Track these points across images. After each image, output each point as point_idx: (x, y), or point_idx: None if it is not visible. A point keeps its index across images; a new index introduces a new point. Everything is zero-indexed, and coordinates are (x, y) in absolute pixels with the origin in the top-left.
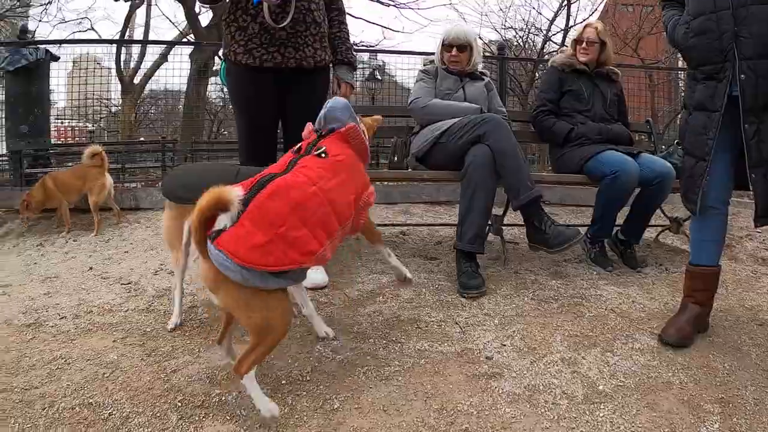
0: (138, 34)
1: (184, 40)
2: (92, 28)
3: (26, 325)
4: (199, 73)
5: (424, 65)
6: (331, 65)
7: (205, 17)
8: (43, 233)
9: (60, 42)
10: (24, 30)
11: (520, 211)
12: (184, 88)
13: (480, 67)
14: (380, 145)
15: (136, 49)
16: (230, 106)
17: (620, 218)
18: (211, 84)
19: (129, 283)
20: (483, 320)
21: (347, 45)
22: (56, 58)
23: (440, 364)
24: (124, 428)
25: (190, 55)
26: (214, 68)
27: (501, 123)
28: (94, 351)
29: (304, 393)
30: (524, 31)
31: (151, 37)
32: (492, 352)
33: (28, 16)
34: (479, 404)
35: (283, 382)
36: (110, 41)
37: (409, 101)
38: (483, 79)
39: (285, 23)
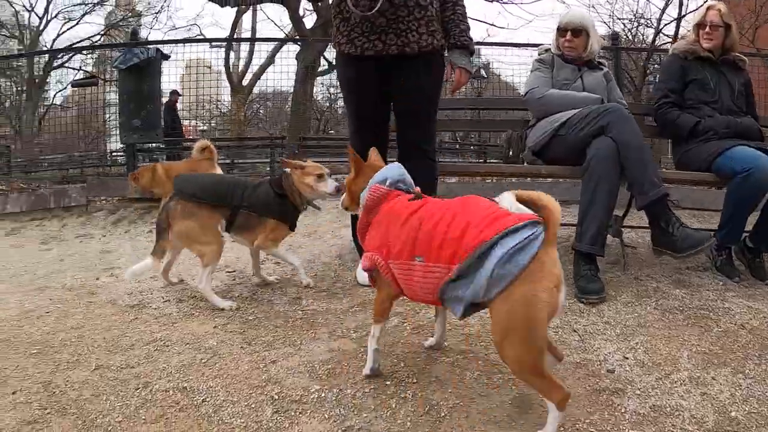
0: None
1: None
2: (201, 34)
3: (130, 306)
4: (306, 72)
5: (539, 54)
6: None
7: (310, 19)
8: (153, 221)
9: (176, 42)
10: (135, 32)
11: (645, 210)
12: (290, 88)
13: (598, 55)
14: (486, 142)
15: (244, 52)
16: (335, 105)
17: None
18: (318, 84)
19: (234, 271)
20: (603, 329)
21: (461, 27)
22: (167, 57)
23: (558, 375)
24: (216, 416)
25: (297, 56)
26: (320, 69)
27: (625, 114)
28: (194, 335)
29: (410, 396)
30: (633, 23)
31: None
32: (614, 365)
33: (140, 25)
34: (600, 423)
35: (388, 383)
36: (220, 39)
37: (524, 92)
38: (602, 69)
39: (373, 11)
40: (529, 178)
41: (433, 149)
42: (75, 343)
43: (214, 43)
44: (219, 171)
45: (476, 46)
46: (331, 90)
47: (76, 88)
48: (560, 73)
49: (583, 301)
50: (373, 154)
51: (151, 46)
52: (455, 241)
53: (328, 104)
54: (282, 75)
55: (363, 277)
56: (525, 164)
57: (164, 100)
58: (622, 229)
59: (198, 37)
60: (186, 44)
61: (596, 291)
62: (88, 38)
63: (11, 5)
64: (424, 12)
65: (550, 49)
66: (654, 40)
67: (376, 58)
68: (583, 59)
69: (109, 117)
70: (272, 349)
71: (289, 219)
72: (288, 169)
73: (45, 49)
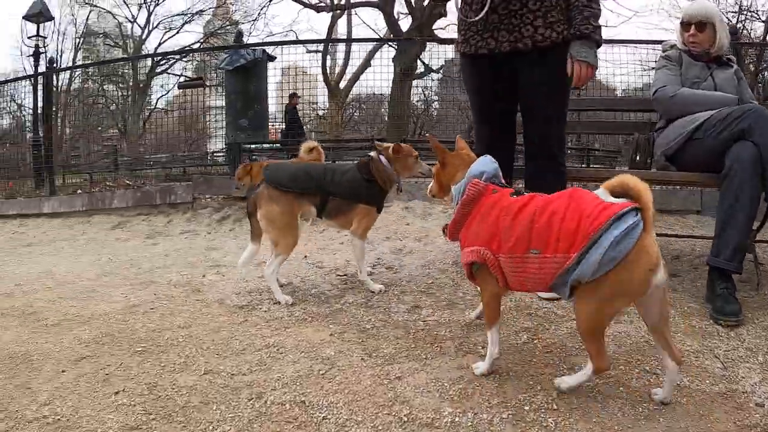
0: (340, 44)
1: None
2: (273, 57)
3: (239, 307)
4: (403, 75)
5: (663, 51)
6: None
7: (405, 22)
8: None
9: (276, 44)
10: (239, 34)
11: None
12: (384, 90)
13: (726, 50)
14: (588, 145)
15: (340, 54)
16: (430, 109)
17: None
18: (414, 87)
19: (345, 275)
20: (746, 356)
21: (585, 14)
22: (273, 58)
23: (704, 407)
24: None
25: (394, 59)
26: (417, 71)
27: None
28: (309, 343)
29: (552, 426)
30: (740, 16)
31: (353, 45)
32: (763, 399)
33: (242, 29)
34: None
35: (526, 408)
36: (318, 41)
37: (652, 90)
38: (731, 66)
39: (479, 16)
40: (656, 186)
41: (560, 151)
42: (182, 344)
43: (310, 48)
44: None
45: None
46: (426, 93)
47: (180, 90)
48: (689, 71)
49: (721, 323)
50: (460, 142)
51: (257, 48)
52: (572, 233)
53: (423, 107)
54: (379, 77)
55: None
56: (653, 170)
57: (274, 100)
58: (755, 244)
59: (298, 39)
60: (285, 46)
61: (734, 313)
62: (188, 46)
63: (114, 17)
64: (540, 3)
65: (675, 45)
66: (766, 35)
67: (489, 57)
68: (710, 55)
69: (210, 120)
70: (395, 363)
71: (377, 202)
72: (374, 153)
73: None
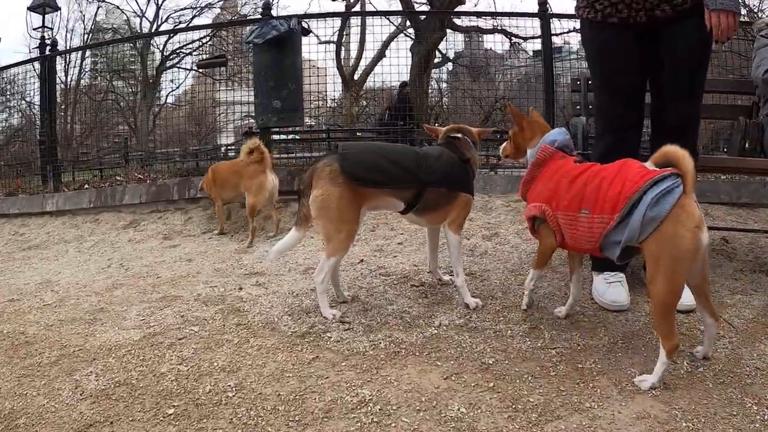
0: (354, 33)
1: (405, 33)
2: (310, 30)
3: (299, 336)
4: (421, 65)
5: (759, 29)
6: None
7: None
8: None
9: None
10: (267, 6)
11: None
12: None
13: None
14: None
15: (353, 49)
16: (443, 101)
17: None
18: (434, 76)
19: (422, 285)
20: None
21: None
22: (308, 32)
23: None
24: None
25: (411, 48)
26: (435, 60)
27: None
28: (421, 392)
29: None
30: None
31: (368, 35)
32: None
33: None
34: None
35: None
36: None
37: (761, 71)
38: None
39: None
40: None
41: (692, 137)
42: (233, 401)
43: (323, 38)
44: (270, 177)
45: None
46: (441, 84)
47: (201, 71)
48: None
49: None
50: (534, 113)
51: (291, 17)
52: (616, 195)
53: (438, 98)
54: (396, 68)
55: (609, 297)
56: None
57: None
58: None
59: (327, 12)
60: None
61: None
62: (198, 40)
63: (122, 12)
64: None
65: None
66: None
67: (622, 26)
68: None
69: (221, 113)
70: (555, 417)
71: (473, 189)
72: (460, 135)
73: (158, 50)
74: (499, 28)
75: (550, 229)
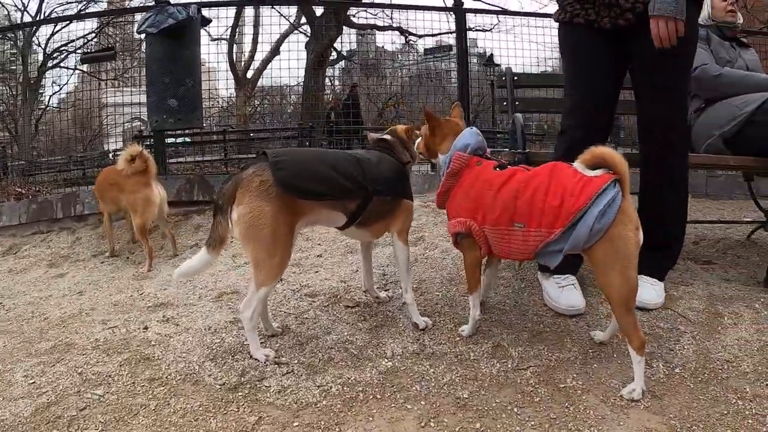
0: (248, 30)
1: (299, 30)
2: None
3: (230, 389)
4: (317, 63)
5: None
6: None
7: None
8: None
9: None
10: None
11: None
12: (294, 81)
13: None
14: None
15: (248, 42)
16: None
17: None
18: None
19: (357, 306)
20: None
21: None
22: (208, 21)
23: None
24: None
25: (306, 45)
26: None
27: None
28: None
29: None
30: None
31: (261, 33)
32: None
33: None
34: None
35: None
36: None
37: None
38: (749, 46)
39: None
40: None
41: (661, 137)
42: None
43: (214, 36)
44: (157, 189)
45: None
46: (335, 83)
47: (86, 65)
48: (720, 51)
49: None
50: (456, 110)
51: (190, 4)
52: (556, 209)
53: (331, 97)
54: (288, 64)
55: (564, 302)
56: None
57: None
58: None
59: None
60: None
61: None
62: (83, 36)
63: (3, 6)
64: None
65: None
66: None
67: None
68: (738, 29)
69: (109, 116)
70: None
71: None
72: (388, 137)
73: (41, 45)
74: (394, 25)
75: (474, 242)
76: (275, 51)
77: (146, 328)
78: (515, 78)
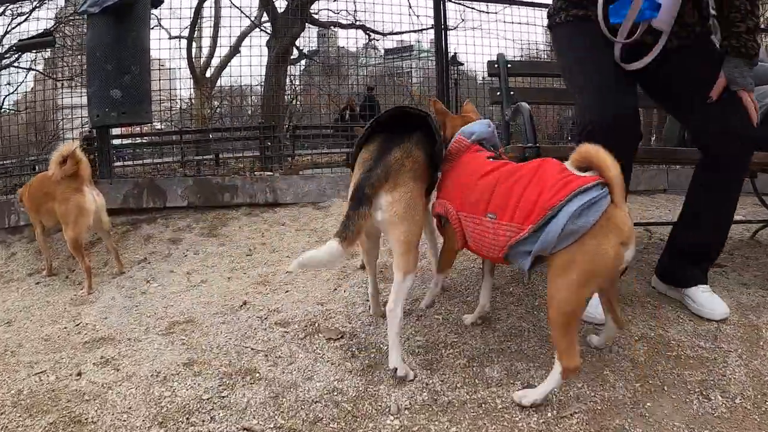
0: (207, 27)
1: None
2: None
3: None
4: (278, 61)
5: None
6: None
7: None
8: (169, 239)
9: None
10: None
11: None
12: (256, 81)
13: None
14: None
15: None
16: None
17: None
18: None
19: (341, 337)
20: None
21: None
22: (159, 2)
23: None
24: None
25: (268, 43)
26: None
27: None
28: None
29: None
30: None
31: (221, 30)
32: None
33: None
34: None
35: None
36: None
37: None
38: None
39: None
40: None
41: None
42: None
43: (173, 34)
44: (91, 196)
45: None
46: (295, 81)
47: (21, 53)
48: None
49: None
50: (468, 105)
51: None
52: (531, 203)
53: (292, 96)
54: (250, 62)
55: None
56: None
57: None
58: None
59: None
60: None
61: None
62: (42, 32)
63: None
64: None
65: None
66: None
67: None
68: None
69: (63, 117)
70: None
71: None
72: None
73: None
74: (358, 23)
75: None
76: (235, 49)
77: (80, 374)
78: (509, 66)
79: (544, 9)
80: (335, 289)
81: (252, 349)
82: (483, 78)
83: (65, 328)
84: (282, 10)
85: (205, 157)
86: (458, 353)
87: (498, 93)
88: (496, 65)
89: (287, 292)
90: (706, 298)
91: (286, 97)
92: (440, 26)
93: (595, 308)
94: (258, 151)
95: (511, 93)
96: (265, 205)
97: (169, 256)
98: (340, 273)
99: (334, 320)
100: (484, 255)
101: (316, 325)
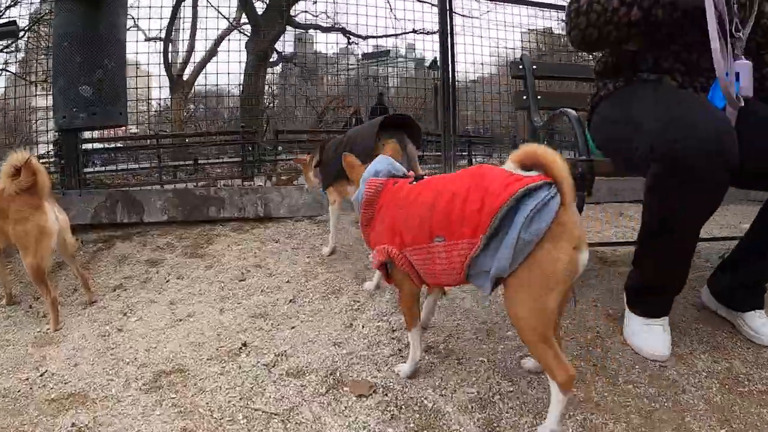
0: (184, 29)
1: (239, 30)
2: (136, 26)
3: None
4: (258, 63)
5: None
6: None
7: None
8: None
9: None
10: None
11: None
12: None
13: None
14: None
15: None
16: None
17: None
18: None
19: (373, 392)
20: None
21: None
22: None
23: None
24: None
25: (246, 45)
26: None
27: None
28: None
29: None
30: None
31: (198, 32)
32: None
33: None
34: None
35: None
36: None
37: None
38: None
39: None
40: None
41: None
42: None
43: (149, 36)
44: (52, 214)
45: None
46: (272, 86)
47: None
48: None
49: None
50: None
51: None
52: (476, 213)
53: (270, 99)
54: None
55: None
56: None
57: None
58: None
59: None
60: None
61: None
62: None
63: None
64: None
65: None
66: None
67: None
68: None
69: (36, 122)
70: None
71: None
72: None
73: None
74: (337, 26)
75: (403, 272)
76: (213, 51)
77: None
78: (534, 67)
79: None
80: (350, 324)
81: (263, 412)
82: (472, 82)
83: (27, 379)
84: (262, 11)
85: (182, 163)
86: (520, 407)
87: (525, 97)
88: (520, 66)
89: (293, 328)
90: (763, 324)
91: (265, 99)
92: (446, 33)
93: (662, 343)
94: (236, 156)
95: (538, 97)
96: (255, 219)
97: (149, 281)
98: (351, 302)
99: (359, 367)
100: (444, 283)
101: (338, 374)
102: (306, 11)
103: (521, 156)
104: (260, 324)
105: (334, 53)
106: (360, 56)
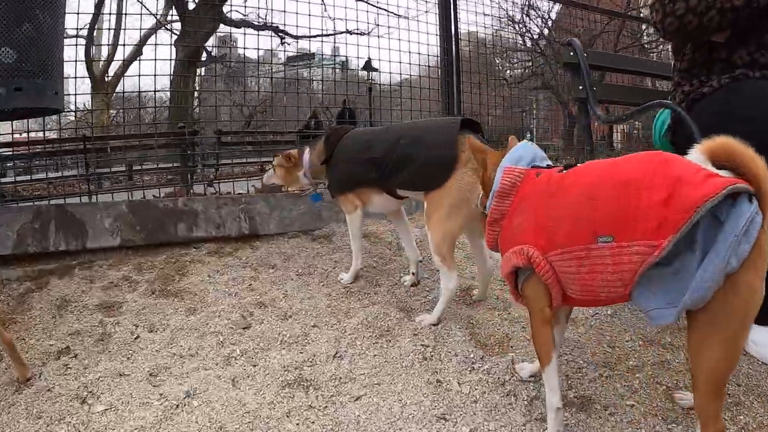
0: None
1: (166, 28)
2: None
3: None
4: (187, 63)
5: None
6: None
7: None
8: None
9: None
10: None
11: None
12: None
13: None
14: None
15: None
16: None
17: None
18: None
19: None
20: None
21: None
22: None
23: None
24: None
25: (176, 43)
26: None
27: None
28: None
29: None
30: None
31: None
32: None
33: None
34: None
35: None
36: None
37: None
38: None
39: None
40: None
41: None
42: None
43: (69, 33)
44: None
45: None
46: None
47: None
48: None
49: None
50: (512, 141)
51: None
52: (660, 206)
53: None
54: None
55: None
56: None
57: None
58: None
59: None
60: None
61: None
62: None
63: None
64: None
65: None
66: None
67: None
68: None
69: None
70: None
71: None
72: None
73: None
74: (270, 25)
75: (542, 284)
76: (138, 51)
77: None
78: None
79: None
80: (437, 381)
81: None
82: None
83: None
84: (193, 6)
85: (114, 170)
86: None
87: (581, 87)
88: (572, 53)
89: (358, 399)
90: None
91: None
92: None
93: None
94: (171, 161)
95: (594, 89)
96: (239, 238)
97: (108, 339)
98: (417, 346)
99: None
100: (598, 300)
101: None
102: (234, 8)
103: (716, 148)
104: (303, 399)
105: (261, 55)
106: (285, 59)
